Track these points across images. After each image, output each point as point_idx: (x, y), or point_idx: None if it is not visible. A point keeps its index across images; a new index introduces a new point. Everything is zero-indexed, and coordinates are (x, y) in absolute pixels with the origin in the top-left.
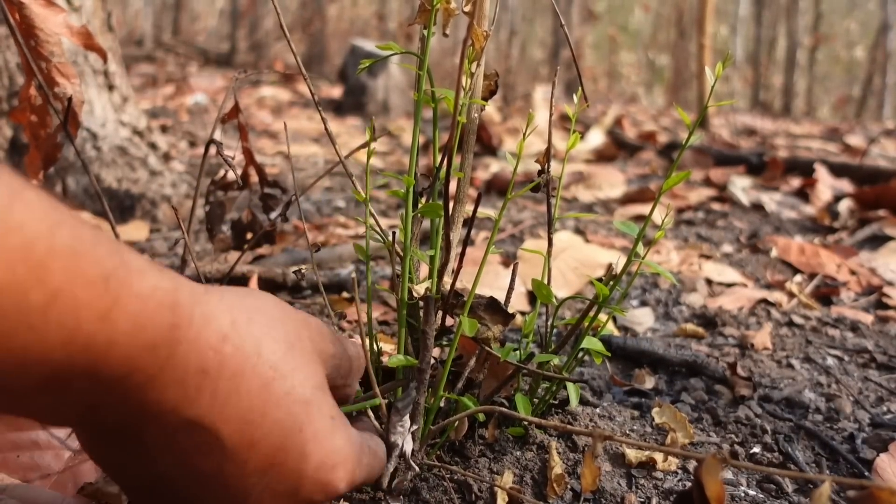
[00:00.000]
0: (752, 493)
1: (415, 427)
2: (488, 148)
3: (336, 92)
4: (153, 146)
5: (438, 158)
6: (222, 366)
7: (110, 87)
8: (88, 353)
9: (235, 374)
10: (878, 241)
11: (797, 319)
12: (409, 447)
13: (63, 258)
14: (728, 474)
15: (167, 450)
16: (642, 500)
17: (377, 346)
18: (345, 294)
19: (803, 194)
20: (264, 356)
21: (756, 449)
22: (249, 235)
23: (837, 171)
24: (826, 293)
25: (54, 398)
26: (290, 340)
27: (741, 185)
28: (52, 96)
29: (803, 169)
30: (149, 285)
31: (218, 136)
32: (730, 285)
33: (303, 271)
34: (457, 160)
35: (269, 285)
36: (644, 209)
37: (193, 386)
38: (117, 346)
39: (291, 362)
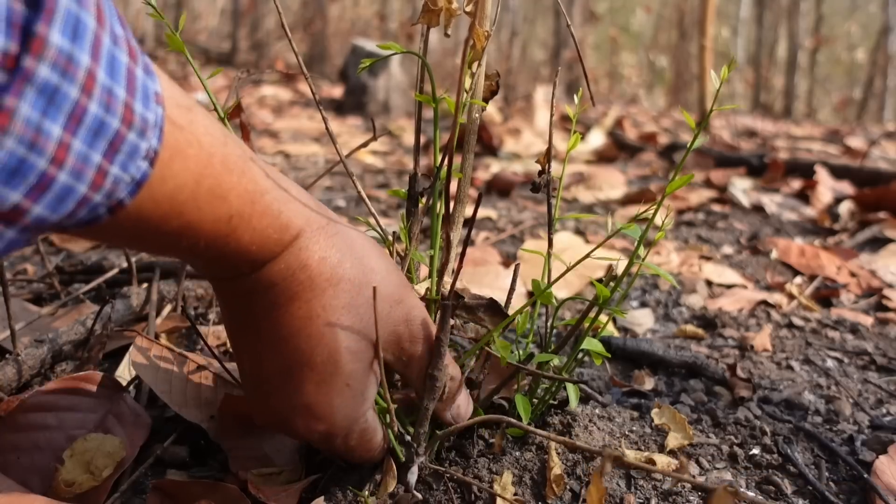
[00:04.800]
0: (751, 494)
1: (421, 459)
2: (489, 148)
3: (337, 92)
4: None
5: (439, 158)
6: (287, 284)
7: None
8: (209, 250)
9: (292, 297)
10: (878, 244)
11: (797, 321)
12: (413, 479)
13: (206, 201)
14: (727, 475)
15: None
16: (641, 500)
17: None
18: None
19: (804, 196)
20: (325, 298)
21: (755, 450)
22: None
23: (838, 173)
24: (826, 295)
25: (191, 261)
26: (359, 302)
27: (742, 187)
28: None
29: (804, 171)
30: (262, 224)
31: None
32: (730, 287)
33: None
34: (457, 160)
35: None
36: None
37: (260, 289)
38: (226, 253)
39: (343, 318)
